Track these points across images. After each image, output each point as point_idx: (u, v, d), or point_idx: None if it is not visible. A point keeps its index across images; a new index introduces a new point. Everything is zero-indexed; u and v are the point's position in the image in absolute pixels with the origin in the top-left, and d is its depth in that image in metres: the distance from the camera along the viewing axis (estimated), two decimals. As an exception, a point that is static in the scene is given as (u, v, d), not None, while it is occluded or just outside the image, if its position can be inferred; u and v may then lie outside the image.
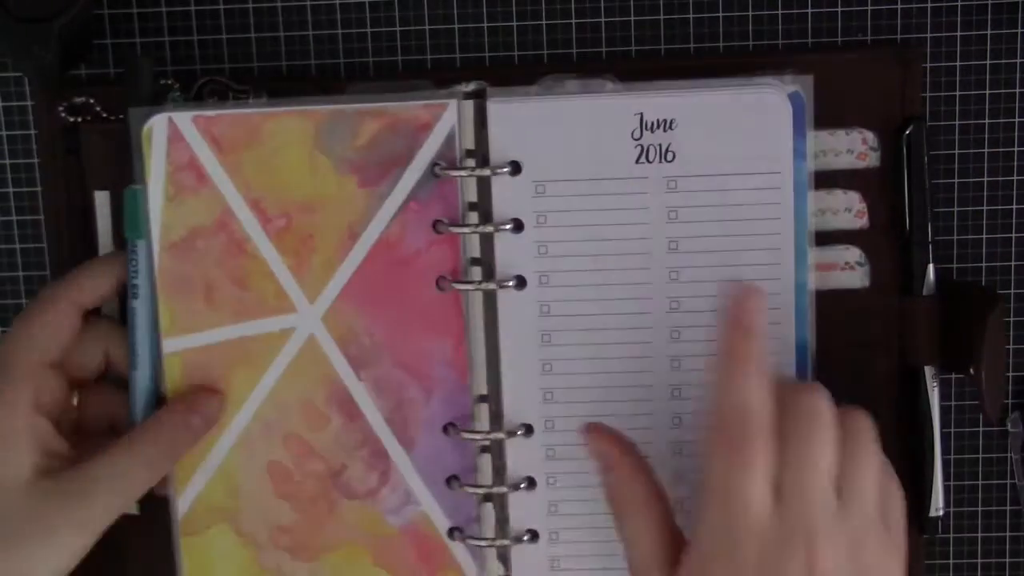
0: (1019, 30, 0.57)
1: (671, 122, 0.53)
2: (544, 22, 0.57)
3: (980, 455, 0.59)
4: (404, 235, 0.54)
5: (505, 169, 0.54)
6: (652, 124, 0.53)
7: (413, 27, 0.57)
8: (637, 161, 0.54)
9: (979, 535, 0.59)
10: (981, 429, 0.59)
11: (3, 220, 0.57)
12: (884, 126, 0.56)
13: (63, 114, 0.55)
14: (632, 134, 0.54)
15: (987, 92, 0.57)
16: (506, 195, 0.54)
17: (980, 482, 0.59)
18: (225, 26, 0.57)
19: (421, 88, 0.55)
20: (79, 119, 0.55)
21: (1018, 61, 0.57)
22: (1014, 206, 0.58)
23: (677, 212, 0.54)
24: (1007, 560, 0.59)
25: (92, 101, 0.56)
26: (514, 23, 0.57)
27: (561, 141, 0.54)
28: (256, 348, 0.54)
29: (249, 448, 0.55)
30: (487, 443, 0.55)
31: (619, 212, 0.54)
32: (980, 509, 0.59)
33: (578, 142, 0.54)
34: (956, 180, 0.58)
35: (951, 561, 0.60)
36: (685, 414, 0.55)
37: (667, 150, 0.54)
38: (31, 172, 0.57)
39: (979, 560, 0.59)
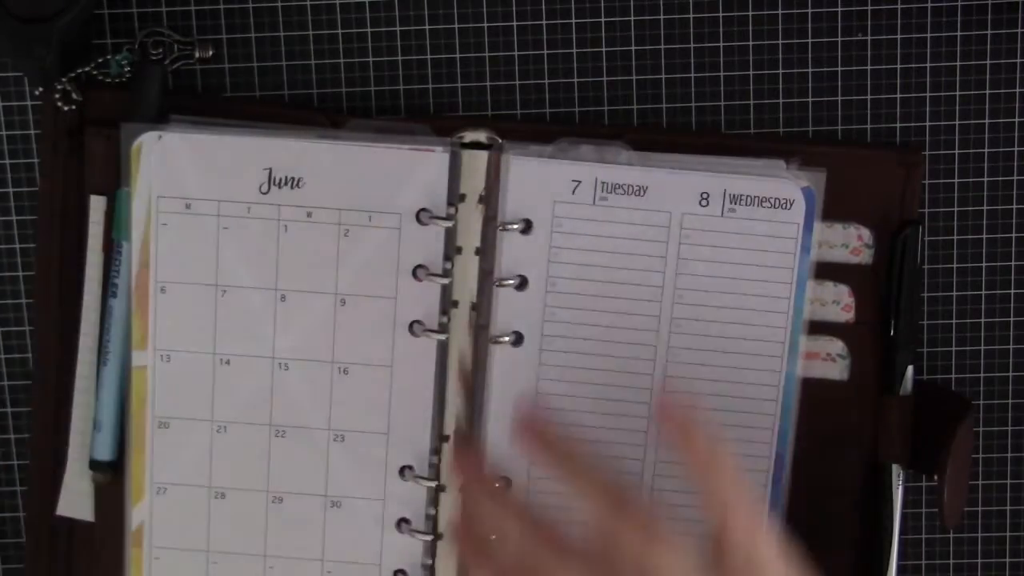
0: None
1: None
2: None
3: (980, 455, 0.58)
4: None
5: (516, 226, 0.54)
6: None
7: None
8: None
9: (979, 535, 0.59)
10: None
11: (3, 220, 0.58)
12: (881, 225, 0.56)
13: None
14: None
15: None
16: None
17: (980, 482, 0.59)
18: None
19: (420, 132, 0.55)
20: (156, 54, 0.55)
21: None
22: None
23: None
24: (1007, 560, 0.59)
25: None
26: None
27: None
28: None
29: (207, 470, 0.55)
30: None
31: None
32: (980, 509, 0.59)
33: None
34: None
35: (951, 561, 0.59)
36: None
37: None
38: (31, 172, 0.57)
39: (979, 560, 0.59)
